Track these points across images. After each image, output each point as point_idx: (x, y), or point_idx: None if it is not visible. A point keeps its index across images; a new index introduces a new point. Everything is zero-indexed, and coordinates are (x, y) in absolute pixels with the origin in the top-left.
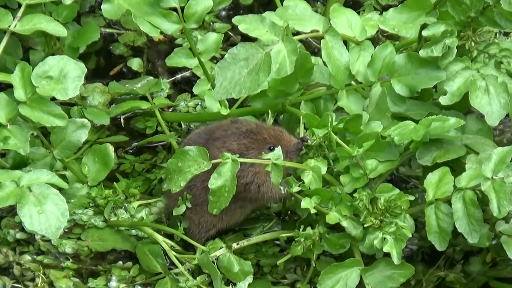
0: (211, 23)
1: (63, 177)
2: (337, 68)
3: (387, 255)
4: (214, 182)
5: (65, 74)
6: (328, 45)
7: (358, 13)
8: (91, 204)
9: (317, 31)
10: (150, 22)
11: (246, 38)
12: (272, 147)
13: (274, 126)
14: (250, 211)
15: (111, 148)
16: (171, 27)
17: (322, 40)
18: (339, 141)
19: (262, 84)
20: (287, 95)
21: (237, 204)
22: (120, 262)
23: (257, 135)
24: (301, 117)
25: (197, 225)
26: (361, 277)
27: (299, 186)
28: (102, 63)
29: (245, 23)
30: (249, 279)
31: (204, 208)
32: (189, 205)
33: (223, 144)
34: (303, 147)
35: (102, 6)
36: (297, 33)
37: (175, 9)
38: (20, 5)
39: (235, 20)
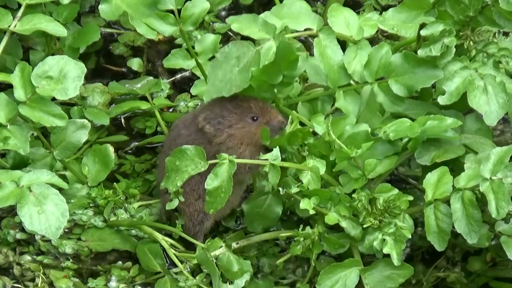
0: (211, 23)
1: (63, 178)
2: (330, 67)
3: (387, 254)
4: (210, 183)
5: (65, 74)
6: (322, 44)
7: (358, 13)
8: (91, 205)
9: (311, 29)
10: (147, 23)
11: (246, 38)
12: (255, 118)
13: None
14: (237, 192)
15: (111, 149)
16: (168, 29)
17: (315, 39)
18: (338, 141)
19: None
20: (271, 86)
21: None
22: (120, 262)
23: (243, 102)
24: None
25: (189, 216)
26: (360, 277)
27: (297, 187)
28: (102, 63)
29: (238, 22)
30: (246, 276)
31: (192, 197)
32: (182, 199)
33: (207, 108)
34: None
35: (100, 7)
36: (295, 31)
37: (172, 11)
38: (20, 5)
39: (229, 20)
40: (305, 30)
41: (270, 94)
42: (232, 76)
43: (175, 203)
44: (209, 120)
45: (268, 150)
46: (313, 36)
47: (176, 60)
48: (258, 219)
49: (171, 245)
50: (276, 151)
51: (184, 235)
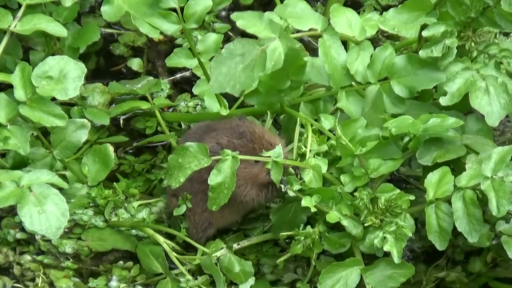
0: (211, 23)
1: (63, 177)
2: (334, 68)
3: (388, 254)
4: (213, 179)
5: (65, 74)
6: (326, 44)
7: (358, 13)
8: (91, 204)
9: (315, 29)
10: (149, 23)
11: (247, 37)
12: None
13: (273, 137)
14: (242, 211)
15: (111, 148)
16: (170, 28)
17: (319, 39)
18: (344, 138)
19: (256, 80)
20: (279, 91)
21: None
22: (121, 262)
23: (249, 142)
24: (298, 119)
25: (194, 224)
26: (361, 276)
27: (300, 185)
28: (102, 63)
29: (243, 19)
30: (251, 281)
31: (199, 207)
32: (190, 205)
33: (216, 135)
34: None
35: (102, 8)
36: (297, 31)
37: (174, 10)
38: (20, 5)
39: (233, 16)
40: (309, 30)
41: (277, 99)
42: (236, 73)
43: (182, 209)
44: (214, 154)
45: (274, 186)
46: (314, 37)
47: (178, 59)
48: (284, 226)
49: (172, 247)
50: (278, 148)
51: (187, 239)
